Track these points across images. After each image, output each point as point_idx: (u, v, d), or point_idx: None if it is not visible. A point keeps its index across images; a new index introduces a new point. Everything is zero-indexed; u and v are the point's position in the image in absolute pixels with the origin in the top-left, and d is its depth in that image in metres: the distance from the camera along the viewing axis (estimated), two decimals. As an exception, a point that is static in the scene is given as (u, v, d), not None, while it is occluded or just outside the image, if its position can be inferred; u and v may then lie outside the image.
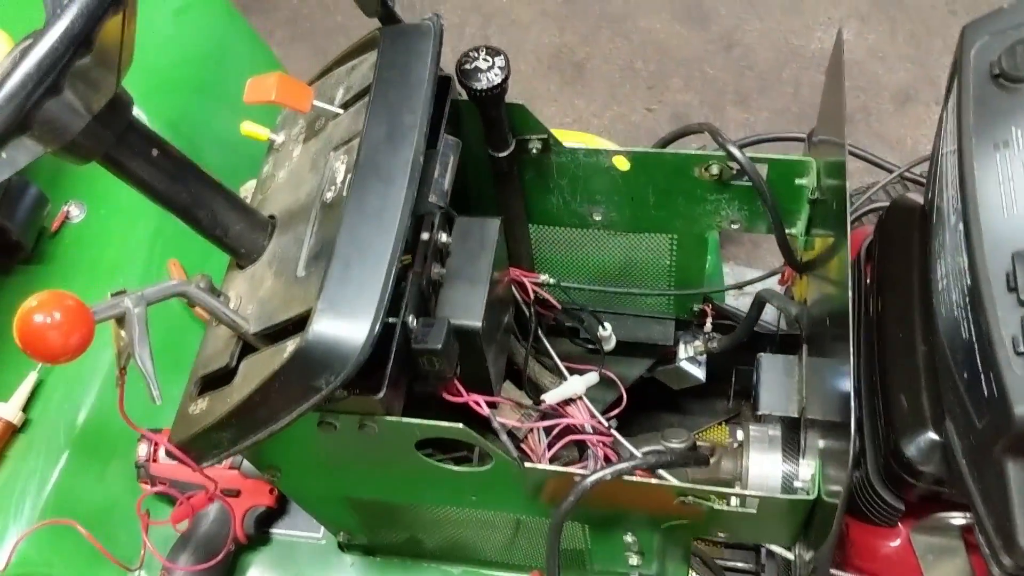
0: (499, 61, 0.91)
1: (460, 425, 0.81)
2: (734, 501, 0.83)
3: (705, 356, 1.32)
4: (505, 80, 0.91)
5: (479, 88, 0.90)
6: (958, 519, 0.85)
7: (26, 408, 1.19)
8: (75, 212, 1.33)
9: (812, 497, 0.80)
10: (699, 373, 1.34)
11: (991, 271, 0.69)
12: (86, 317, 0.72)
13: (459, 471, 0.89)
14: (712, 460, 1.16)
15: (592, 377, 1.14)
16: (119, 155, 0.78)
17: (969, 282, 0.71)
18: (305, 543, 1.18)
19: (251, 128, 1.01)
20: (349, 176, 0.83)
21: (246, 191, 1.10)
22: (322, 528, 1.17)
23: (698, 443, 1.18)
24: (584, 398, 1.13)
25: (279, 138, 1.02)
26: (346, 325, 0.73)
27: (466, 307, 0.91)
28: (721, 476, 1.14)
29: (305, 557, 1.17)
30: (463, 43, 2.51)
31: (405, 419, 0.81)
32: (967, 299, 0.72)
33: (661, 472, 0.98)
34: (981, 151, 0.72)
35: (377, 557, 1.16)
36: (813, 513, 0.83)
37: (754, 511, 0.84)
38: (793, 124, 2.48)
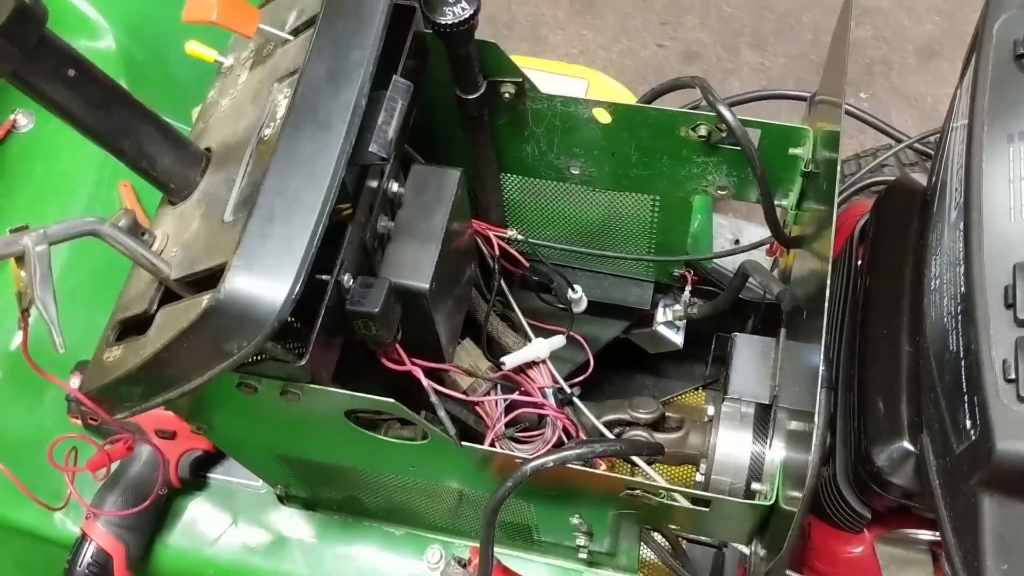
0: (469, -7, 0.82)
1: (391, 400, 0.74)
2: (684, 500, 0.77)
3: (684, 321, 1.25)
4: (474, 16, 0.81)
5: (444, 23, 0.81)
6: (927, 535, 0.79)
7: (-47, 332, 1.13)
8: (23, 122, 1.25)
9: (769, 503, 0.74)
10: (676, 338, 1.27)
11: (988, 282, 0.60)
12: (-26, 256, 0.65)
13: (393, 443, 0.82)
14: (679, 434, 1.10)
15: (558, 340, 1.07)
16: (29, 74, 0.70)
17: (963, 290, 0.63)
18: (244, 491, 1.12)
19: (197, 48, 0.91)
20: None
21: (196, 114, 1.02)
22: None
23: (668, 413, 1.12)
24: (548, 362, 1.07)
25: (227, 61, 0.93)
26: (263, 284, 0.65)
27: (414, 266, 0.83)
28: (687, 451, 1.08)
29: (243, 505, 1.12)
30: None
31: (331, 389, 0.74)
32: (959, 308, 0.64)
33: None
34: (992, 142, 0.63)
35: (317, 512, 1.10)
36: (770, 516, 0.77)
37: (707, 510, 0.77)
38: (810, 72, 2.36)
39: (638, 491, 0.77)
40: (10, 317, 1.14)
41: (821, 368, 0.61)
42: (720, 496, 0.74)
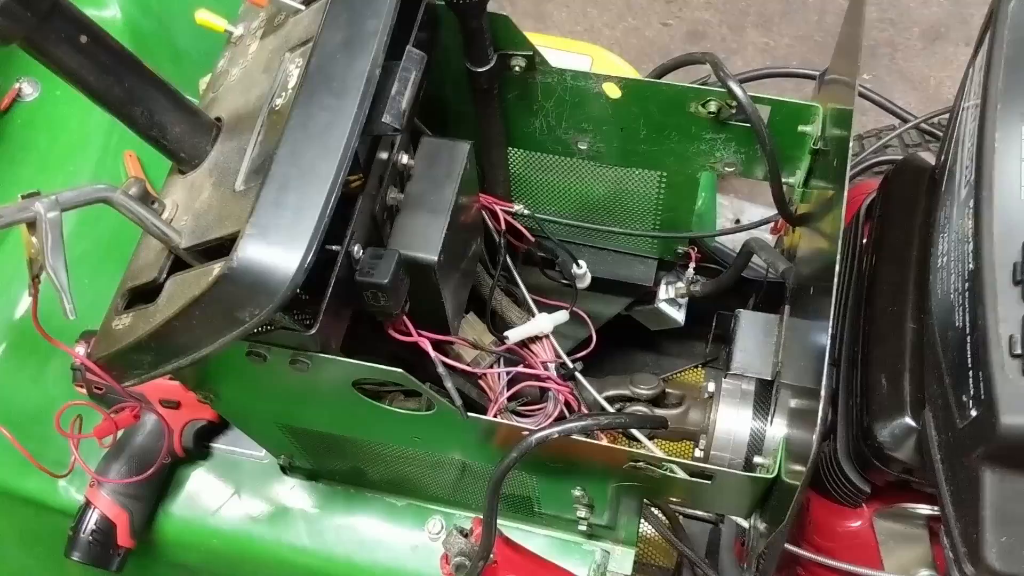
0: (481, -36, 0.82)
1: (399, 370, 0.74)
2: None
3: (686, 299, 1.25)
4: (486, -12, 0.81)
5: (456, -5, 0.80)
6: (925, 510, 0.80)
7: (-40, 298, 1.13)
8: (28, 90, 1.24)
9: (771, 476, 0.75)
10: (678, 316, 1.28)
11: (997, 258, 0.61)
12: (-17, 221, 0.65)
13: (400, 413, 0.83)
14: (679, 409, 1.11)
15: (561, 316, 1.07)
16: (42, 40, 0.69)
17: (971, 266, 0.64)
18: (247, 461, 1.13)
19: (207, 17, 0.91)
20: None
21: (205, 83, 1.02)
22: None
23: (668, 390, 1.13)
24: (551, 337, 1.07)
25: (237, 31, 0.92)
26: (276, 253, 0.65)
27: (423, 238, 0.83)
28: (687, 427, 1.09)
29: (246, 475, 1.12)
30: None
31: (340, 358, 0.74)
32: (967, 285, 0.65)
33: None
34: (1006, 121, 0.63)
35: (319, 483, 1.11)
36: (772, 490, 0.77)
37: (709, 483, 0.78)
38: (814, 54, 2.35)
39: (641, 463, 0.77)
40: (14, 287, 1.15)
41: (828, 345, 0.62)
42: (723, 469, 0.75)
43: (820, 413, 0.60)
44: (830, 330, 0.62)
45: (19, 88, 1.24)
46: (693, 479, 0.78)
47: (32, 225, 0.71)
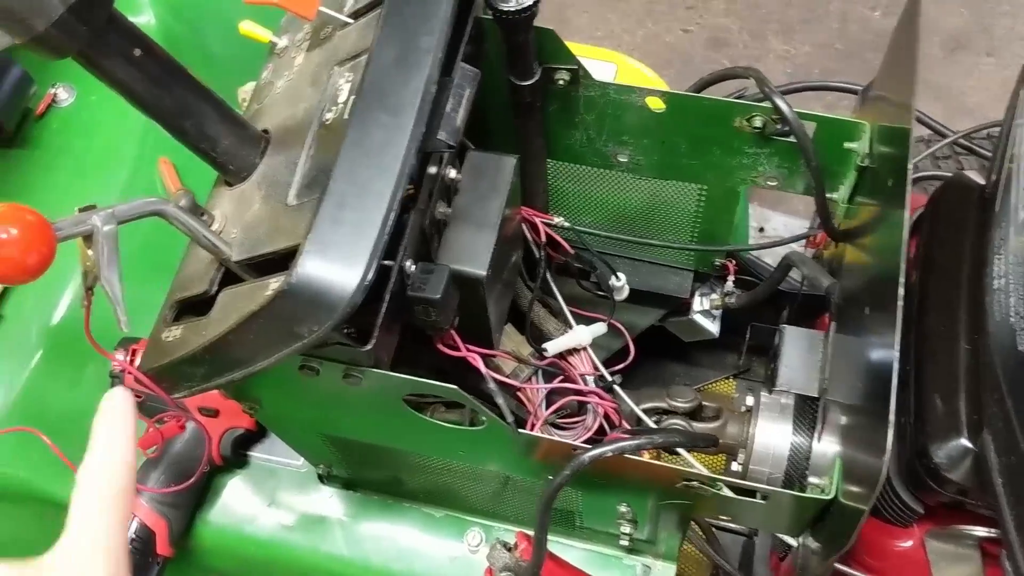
0: (532, -21, 0.81)
1: (454, 387, 0.74)
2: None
3: (720, 311, 1.25)
4: (537, 2, 0.81)
5: (507, 10, 0.80)
6: (980, 532, 0.79)
7: (-2, 304, 1.13)
8: (63, 95, 1.24)
9: (829, 497, 0.74)
10: (712, 327, 1.27)
11: (1065, 284, 0.60)
12: (47, 235, 0.64)
13: (448, 428, 0.82)
14: (717, 423, 1.10)
15: (599, 328, 1.07)
16: (96, 53, 0.70)
17: (1035, 291, 0.63)
18: (284, 470, 1.13)
19: (251, 28, 0.91)
20: (352, 99, 0.74)
21: (244, 93, 1.02)
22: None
23: (704, 403, 1.12)
24: (589, 349, 1.07)
25: (281, 42, 0.93)
26: (336, 270, 0.65)
27: (471, 253, 0.83)
28: (725, 441, 1.08)
29: (283, 484, 1.12)
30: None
31: (394, 374, 0.74)
32: (1030, 308, 0.64)
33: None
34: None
35: (357, 492, 1.11)
36: (826, 510, 0.77)
37: (762, 501, 0.78)
38: (835, 62, 2.35)
39: (695, 482, 0.77)
40: (52, 294, 1.15)
41: (896, 368, 0.61)
42: (779, 489, 0.74)
43: (890, 438, 0.60)
44: (897, 354, 0.62)
45: (55, 93, 1.24)
46: (746, 498, 0.77)
47: (88, 238, 0.71)
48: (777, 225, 2.07)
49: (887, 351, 0.66)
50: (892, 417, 0.62)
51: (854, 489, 0.70)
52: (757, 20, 2.41)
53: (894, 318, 0.65)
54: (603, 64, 1.72)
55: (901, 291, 0.64)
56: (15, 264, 0.64)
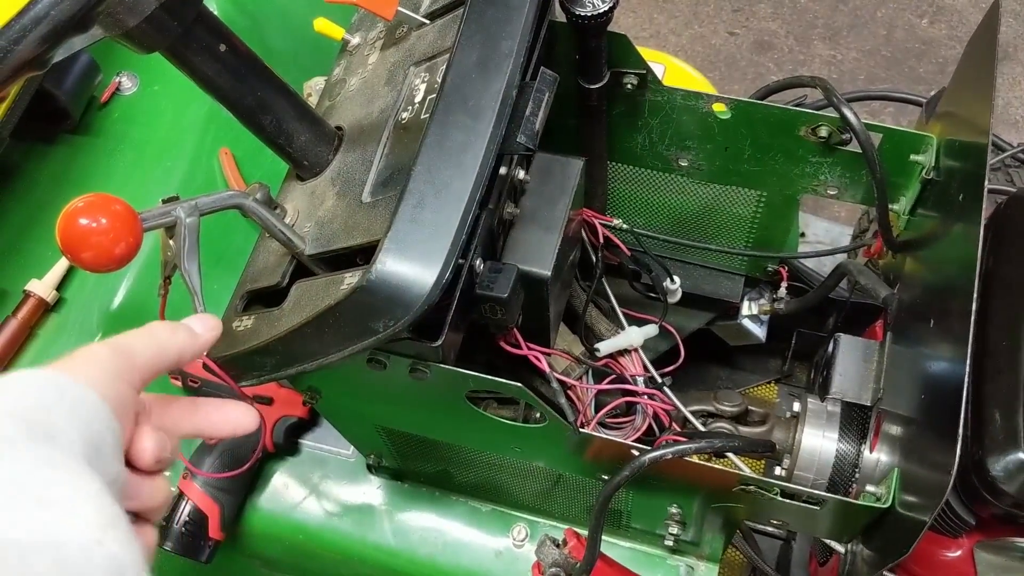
0: (607, -15, 0.82)
1: (519, 384, 0.75)
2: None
3: (767, 316, 1.25)
4: (613, 8, 0.82)
5: (583, 15, 0.81)
6: (1033, 546, 0.80)
7: (60, 287, 1.15)
8: (127, 84, 1.26)
9: (885, 506, 0.75)
10: (760, 332, 1.28)
11: None
12: (134, 224, 0.66)
13: (507, 424, 0.84)
14: (764, 428, 1.11)
15: (651, 329, 1.08)
16: (184, 48, 0.72)
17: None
18: (334, 459, 1.15)
19: (325, 24, 0.93)
20: (430, 99, 0.76)
21: (310, 88, 1.03)
22: (352, 446, 1.14)
23: (750, 407, 1.13)
24: (640, 351, 1.08)
25: (354, 39, 0.94)
26: (413, 268, 0.67)
27: (537, 253, 0.84)
28: (770, 446, 1.09)
29: (332, 472, 1.14)
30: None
31: (460, 370, 0.75)
32: (1102, 328, 0.65)
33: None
34: None
35: (405, 484, 1.13)
36: (881, 519, 0.78)
37: (818, 508, 0.78)
38: (882, 68, 2.34)
39: (752, 487, 0.78)
40: (112, 279, 1.17)
41: (967, 384, 0.62)
42: (837, 497, 0.75)
43: (957, 454, 0.60)
44: (968, 370, 0.62)
45: (119, 81, 1.26)
46: (802, 504, 0.78)
47: (170, 228, 0.73)
48: (818, 231, 2.06)
49: (954, 366, 0.66)
50: (960, 432, 0.62)
51: (912, 499, 0.71)
52: (803, 25, 2.40)
53: (962, 333, 0.66)
54: (652, 64, 1.72)
55: (974, 306, 0.64)
56: (104, 252, 0.66)
